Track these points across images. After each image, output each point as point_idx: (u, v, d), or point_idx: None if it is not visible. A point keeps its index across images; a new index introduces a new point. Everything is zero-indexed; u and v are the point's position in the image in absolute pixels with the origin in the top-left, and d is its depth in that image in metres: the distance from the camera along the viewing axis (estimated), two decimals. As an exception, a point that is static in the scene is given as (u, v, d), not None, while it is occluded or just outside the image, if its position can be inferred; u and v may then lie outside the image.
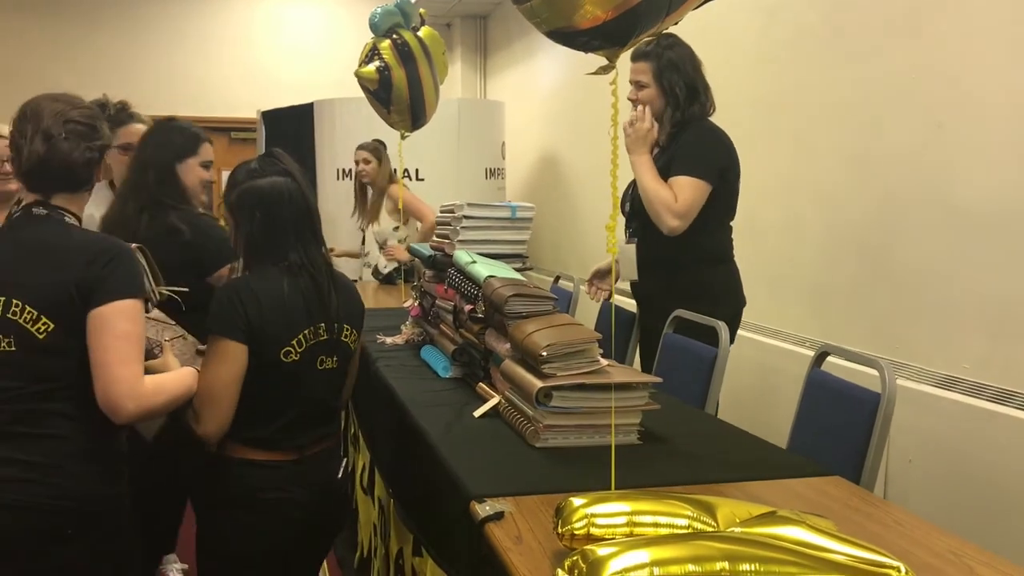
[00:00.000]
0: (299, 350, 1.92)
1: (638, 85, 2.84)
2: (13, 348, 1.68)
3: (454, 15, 7.61)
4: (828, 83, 3.24)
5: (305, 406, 1.95)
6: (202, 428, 1.86)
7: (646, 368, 2.92)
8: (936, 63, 2.75)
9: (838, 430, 2.07)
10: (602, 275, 3.21)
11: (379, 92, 3.64)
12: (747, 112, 3.70)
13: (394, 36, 3.55)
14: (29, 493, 1.66)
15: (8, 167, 3.19)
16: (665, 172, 2.75)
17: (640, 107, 2.82)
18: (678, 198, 2.69)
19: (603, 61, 1.52)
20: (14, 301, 1.68)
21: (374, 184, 4.63)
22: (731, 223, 2.88)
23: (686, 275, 2.81)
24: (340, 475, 2.06)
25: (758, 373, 3.43)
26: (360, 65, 3.66)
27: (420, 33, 3.73)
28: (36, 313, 1.68)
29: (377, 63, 3.57)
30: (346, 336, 2.01)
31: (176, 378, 1.84)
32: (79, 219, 1.83)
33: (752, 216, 3.60)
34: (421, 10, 3.83)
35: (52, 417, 1.70)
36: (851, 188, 3.13)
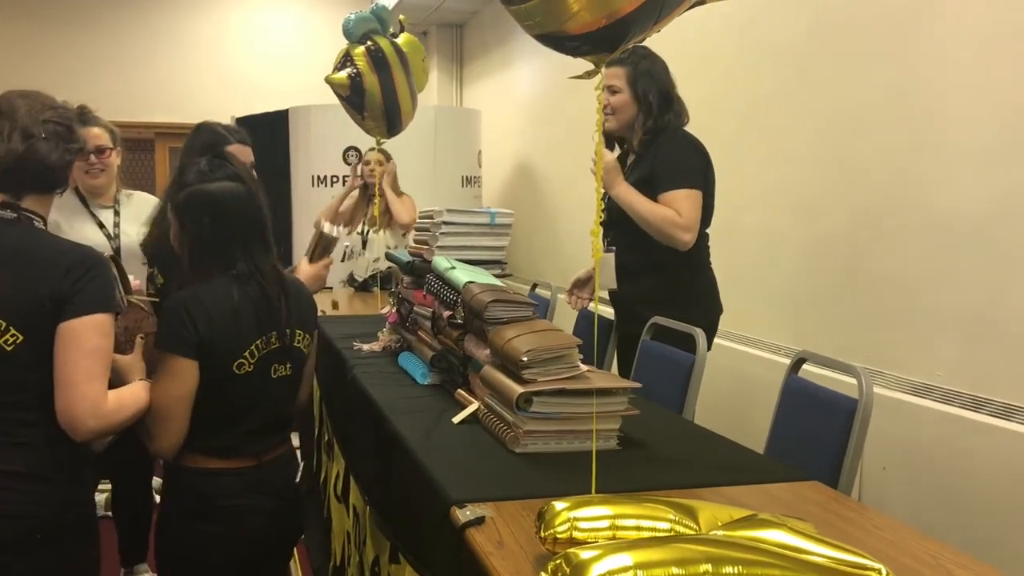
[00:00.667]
0: (252, 361, 1.90)
1: (611, 90, 2.86)
2: None
3: (430, 23, 7.61)
4: (805, 93, 3.27)
5: (261, 415, 1.93)
6: (155, 445, 1.83)
7: (624, 375, 2.92)
8: (911, 74, 2.79)
9: (815, 436, 2.09)
10: (581, 284, 3.21)
11: (352, 98, 3.63)
12: (725, 122, 3.73)
13: (368, 42, 3.54)
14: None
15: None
16: (647, 183, 2.76)
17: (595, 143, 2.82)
18: (682, 211, 2.69)
19: (582, 65, 1.53)
20: None
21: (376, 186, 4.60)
22: (707, 230, 2.90)
23: (663, 282, 2.82)
24: (297, 479, 2.05)
25: (736, 380, 3.45)
26: (333, 71, 3.64)
27: (399, 40, 3.72)
28: (4, 324, 1.63)
29: (349, 70, 3.56)
30: (299, 342, 2.00)
31: (134, 394, 1.80)
32: (46, 223, 1.79)
33: (730, 225, 3.62)
34: (401, 16, 3.83)
35: (19, 426, 1.66)
36: (827, 197, 3.16)
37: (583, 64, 1.54)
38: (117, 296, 1.79)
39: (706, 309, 2.89)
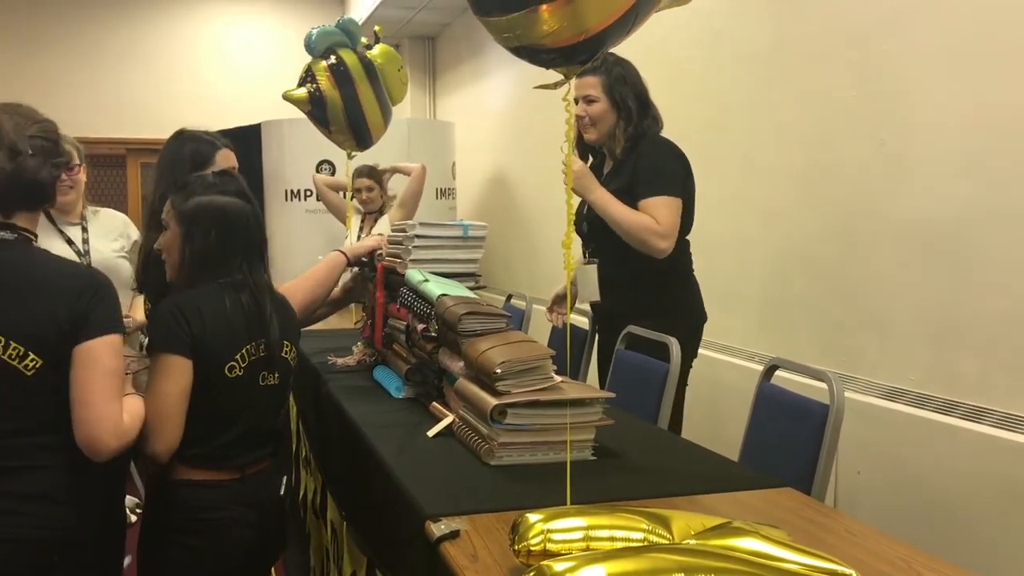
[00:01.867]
0: (242, 365, 1.91)
1: (587, 100, 2.81)
2: None
3: (402, 36, 7.62)
4: (774, 102, 3.31)
5: (250, 422, 1.94)
6: (152, 448, 1.82)
7: (604, 383, 2.92)
8: (879, 82, 2.82)
9: (788, 442, 2.10)
10: (561, 300, 3.17)
11: (314, 112, 3.61)
12: (695, 131, 3.75)
13: (331, 57, 3.52)
14: (17, 525, 1.61)
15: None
16: (629, 191, 2.73)
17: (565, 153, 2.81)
18: (660, 218, 2.66)
19: (552, 76, 1.54)
20: None
21: (379, 210, 4.60)
22: (688, 238, 2.89)
23: (647, 292, 2.80)
24: (282, 492, 2.07)
25: (710, 388, 3.46)
26: (296, 87, 3.63)
27: (375, 51, 3.70)
28: (23, 349, 1.62)
29: (309, 85, 3.54)
30: (286, 352, 2.02)
31: (136, 407, 1.80)
32: (36, 239, 1.77)
33: (702, 233, 3.64)
34: (377, 28, 3.81)
35: (36, 450, 1.65)
36: (798, 205, 3.19)
37: (553, 74, 1.56)
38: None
39: (691, 318, 2.87)
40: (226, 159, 2.52)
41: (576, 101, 2.82)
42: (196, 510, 1.88)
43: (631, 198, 2.72)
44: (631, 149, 2.80)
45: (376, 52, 3.73)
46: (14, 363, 1.61)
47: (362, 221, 4.63)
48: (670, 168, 2.76)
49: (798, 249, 3.19)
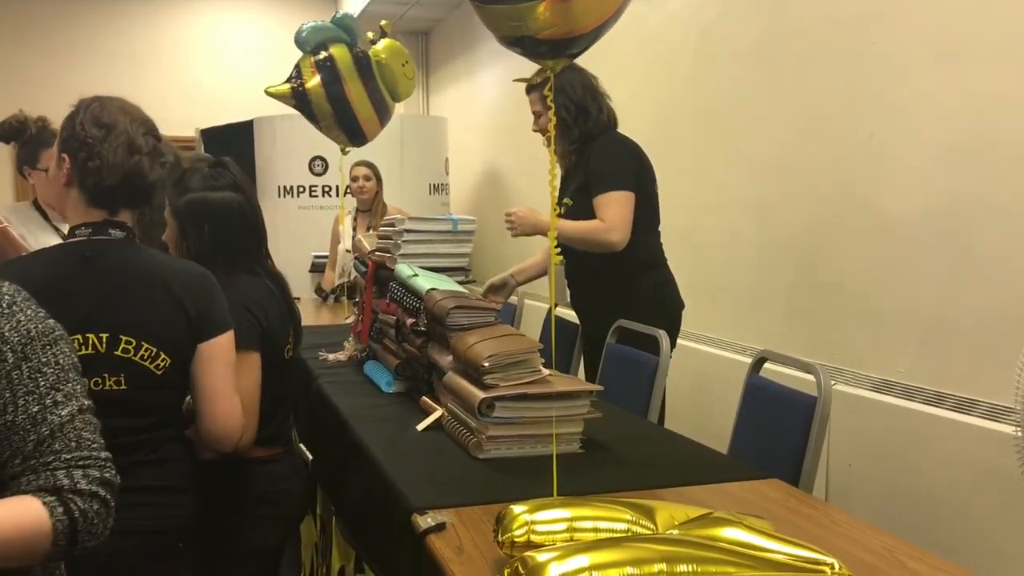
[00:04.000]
0: (291, 346, 2.09)
1: (536, 115, 3.01)
2: (125, 386, 1.60)
3: (395, 32, 7.55)
4: (763, 96, 3.31)
5: (291, 400, 2.13)
6: (241, 441, 1.86)
7: (591, 378, 2.94)
8: (867, 76, 2.83)
9: (777, 434, 2.11)
10: (496, 289, 3.23)
11: (301, 108, 3.61)
12: (684, 126, 3.76)
13: (321, 53, 3.51)
14: (154, 516, 1.64)
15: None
16: (583, 190, 2.83)
17: (509, 213, 2.95)
18: (604, 216, 2.75)
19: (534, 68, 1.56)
20: (123, 338, 1.60)
21: (374, 204, 4.59)
22: (658, 228, 2.95)
23: (620, 284, 2.86)
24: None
25: (699, 380, 3.47)
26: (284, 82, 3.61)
27: (380, 46, 3.68)
28: (155, 350, 1.63)
29: (293, 81, 3.54)
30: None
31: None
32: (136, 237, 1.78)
33: (691, 227, 3.66)
34: (383, 22, 3.79)
35: (165, 443, 1.69)
36: (787, 198, 3.19)
37: (534, 68, 1.58)
38: None
39: (667, 308, 2.91)
40: None
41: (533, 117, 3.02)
42: (271, 483, 2.01)
43: (587, 196, 2.82)
44: (581, 151, 2.89)
45: (381, 47, 3.71)
46: (146, 363, 1.63)
47: (355, 220, 4.63)
48: (618, 164, 2.84)
49: (787, 242, 3.20)
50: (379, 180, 4.61)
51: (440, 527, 1.45)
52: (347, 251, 4.66)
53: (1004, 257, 2.38)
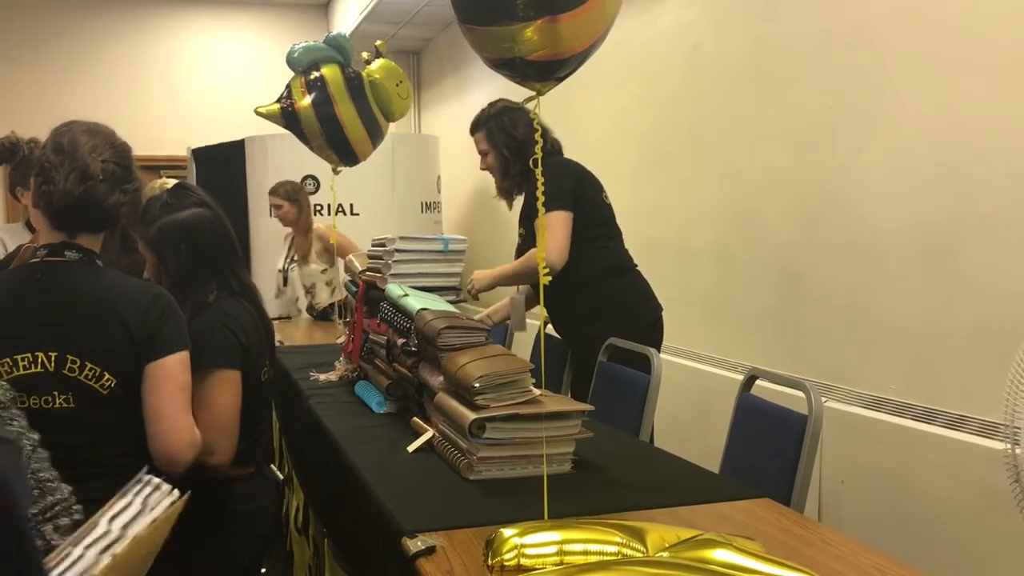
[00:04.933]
0: (268, 370, 2.10)
1: (482, 153, 3.16)
2: (72, 404, 1.64)
3: (387, 51, 7.62)
4: (751, 113, 3.33)
5: (269, 417, 2.17)
6: (217, 459, 1.89)
7: (578, 396, 2.93)
8: (854, 92, 2.84)
9: (768, 452, 2.10)
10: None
11: (291, 128, 3.61)
12: (674, 142, 3.78)
13: (312, 73, 3.52)
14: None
15: None
16: (530, 219, 2.93)
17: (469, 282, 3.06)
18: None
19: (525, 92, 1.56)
20: (69, 357, 1.64)
21: (296, 226, 4.60)
22: (618, 235, 3.03)
23: (593, 294, 2.93)
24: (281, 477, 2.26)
25: (691, 398, 3.47)
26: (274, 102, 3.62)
27: (375, 65, 3.68)
28: (99, 369, 1.65)
29: (284, 101, 3.54)
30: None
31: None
32: (98, 259, 1.78)
33: (681, 242, 3.67)
34: (378, 42, 3.80)
35: (117, 459, 1.68)
36: (776, 215, 3.20)
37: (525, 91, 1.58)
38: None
39: (641, 311, 2.98)
40: None
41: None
42: (244, 501, 2.01)
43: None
44: (523, 183, 3.06)
45: (375, 67, 3.71)
46: (90, 383, 1.65)
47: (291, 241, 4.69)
48: (551, 187, 2.86)
49: (777, 259, 3.20)
50: (295, 201, 4.57)
51: (430, 550, 1.44)
52: (279, 271, 4.69)
53: (994, 273, 2.39)
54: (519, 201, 3.16)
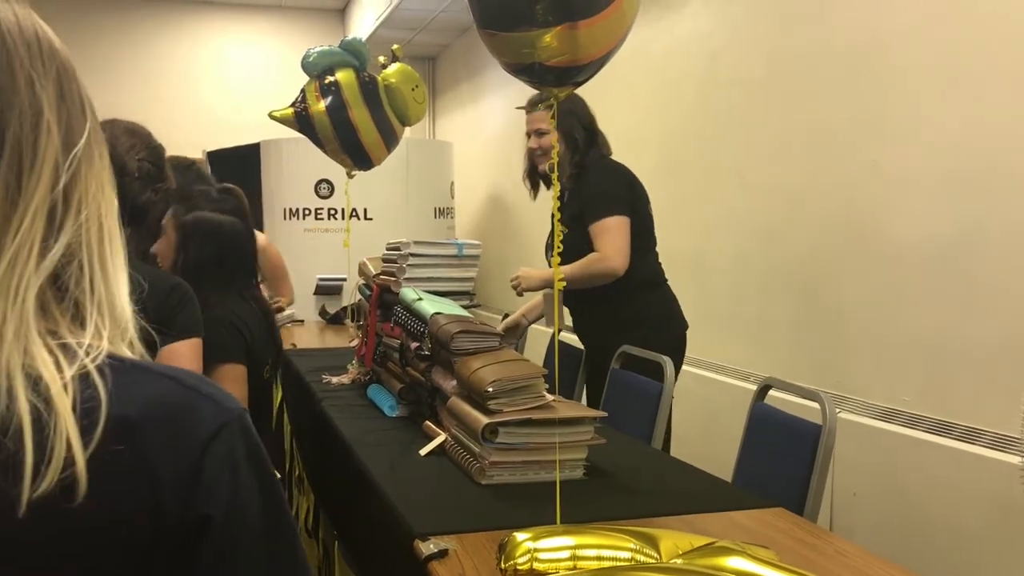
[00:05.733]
0: (270, 369, 2.14)
1: (539, 133, 2.99)
2: None
3: (403, 58, 7.66)
4: (768, 123, 3.32)
5: (269, 415, 2.19)
6: None
7: (594, 404, 2.93)
8: (871, 103, 2.84)
9: (781, 462, 2.10)
10: (509, 331, 3.17)
11: (305, 132, 3.62)
12: (691, 152, 3.78)
13: (326, 77, 3.52)
14: None
15: None
16: (579, 218, 2.85)
17: (514, 277, 2.98)
18: (599, 245, 2.79)
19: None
20: None
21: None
22: (655, 248, 2.99)
23: (622, 305, 2.88)
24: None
25: (704, 407, 3.46)
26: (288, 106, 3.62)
27: (391, 69, 3.69)
28: None
29: (297, 106, 3.55)
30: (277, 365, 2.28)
31: None
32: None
33: (697, 251, 3.66)
34: (395, 47, 3.80)
35: None
36: (792, 225, 3.20)
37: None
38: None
39: (669, 328, 2.93)
40: None
41: (528, 135, 3.02)
42: None
43: (582, 224, 2.85)
44: (578, 176, 2.92)
45: (391, 71, 3.72)
46: None
47: None
48: (612, 191, 2.87)
49: (793, 269, 3.19)
50: None
51: (442, 554, 1.44)
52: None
53: (1010, 285, 2.38)
54: (545, 196, 3.09)
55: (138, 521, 0.57)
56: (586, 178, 2.90)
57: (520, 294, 2.96)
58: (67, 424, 0.54)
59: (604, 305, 2.89)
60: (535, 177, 3.14)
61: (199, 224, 2.06)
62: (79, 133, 0.65)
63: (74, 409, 0.55)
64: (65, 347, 0.59)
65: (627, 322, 2.87)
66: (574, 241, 2.83)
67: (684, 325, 2.97)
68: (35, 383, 0.56)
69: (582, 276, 2.80)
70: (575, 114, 2.90)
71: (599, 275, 2.80)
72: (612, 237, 2.78)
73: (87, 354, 0.59)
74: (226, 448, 0.61)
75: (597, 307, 2.91)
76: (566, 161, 2.91)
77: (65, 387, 0.56)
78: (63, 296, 0.61)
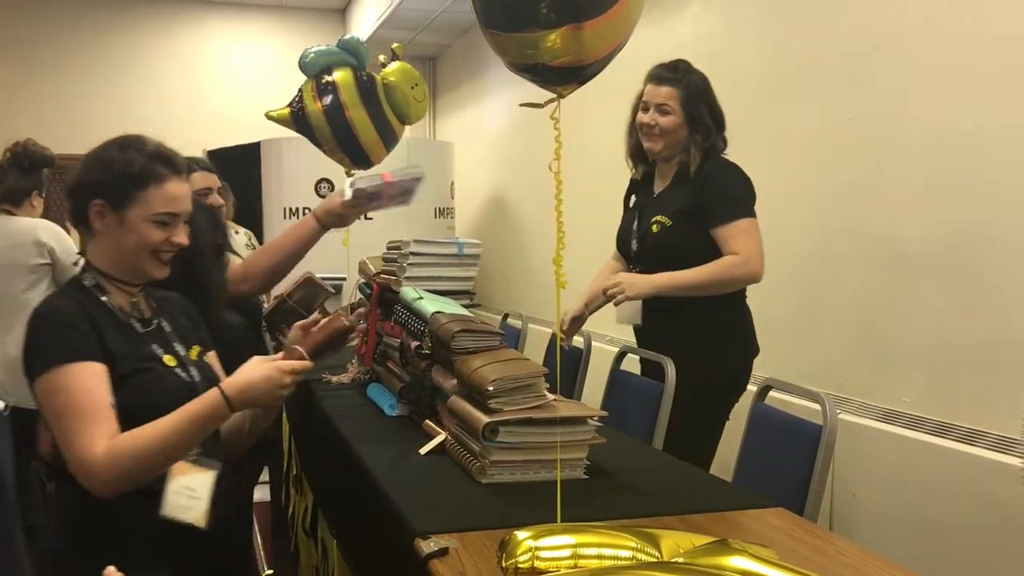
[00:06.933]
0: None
1: (661, 110, 2.70)
2: None
3: (403, 56, 7.66)
4: (770, 125, 3.32)
5: None
6: None
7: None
8: (873, 105, 2.84)
9: (782, 463, 2.10)
10: (575, 321, 2.93)
11: (302, 131, 3.60)
12: (691, 152, 3.77)
13: (323, 77, 3.51)
14: None
15: None
16: (692, 214, 2.65)
17: (612, 285, 2.61)
18: (737, 248, 2.57)
19: (539, 95, 1.57)
20: None
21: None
22: None
23: (697, 318, 2.67)
24: None
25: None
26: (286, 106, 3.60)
27: (391, 68, 3.68)
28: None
29: (294, 106, 3.53)
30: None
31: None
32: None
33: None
34: (395, 45, 3.79)
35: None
36: (793, 226, 3.19)
37: (541, 93, 1.58)
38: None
39: (740, 347, 2.74)
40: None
41: (647, 108, 2.73)
42: None
43: (696, 221, 2.64)
44: (687, 167, 2.71)
45: (391, 69, 3.70)
46: None
47: None
48: (741, 191, 2.66)
49: (794, 270, 3.19)
50: (219, 193, 3.52)
51: (443, 552, 1.44)
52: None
53: (1011, 286, 2.38)
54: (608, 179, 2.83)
55: None
56: (707, 172, 2.66)
57: (617, 304, 2.64)
58: None
59: (680, 312, 2.66)
60: (636, 154, 2.86)
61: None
62: None
63: None
64: None
65: (700, 334, 2.66)
66: (675, 237, 2.67)
67: (756, 350, 2.76)
68: None
69: (712, 281, 2.58)
70: (704, 97, 2.68)
71: (737, 280, 2.62)
72: (750, 239, 2.58)
73: None
74: None
75: (671, 313, 2.67)
76: (695, 148, 2.67)
77: None
78: None
